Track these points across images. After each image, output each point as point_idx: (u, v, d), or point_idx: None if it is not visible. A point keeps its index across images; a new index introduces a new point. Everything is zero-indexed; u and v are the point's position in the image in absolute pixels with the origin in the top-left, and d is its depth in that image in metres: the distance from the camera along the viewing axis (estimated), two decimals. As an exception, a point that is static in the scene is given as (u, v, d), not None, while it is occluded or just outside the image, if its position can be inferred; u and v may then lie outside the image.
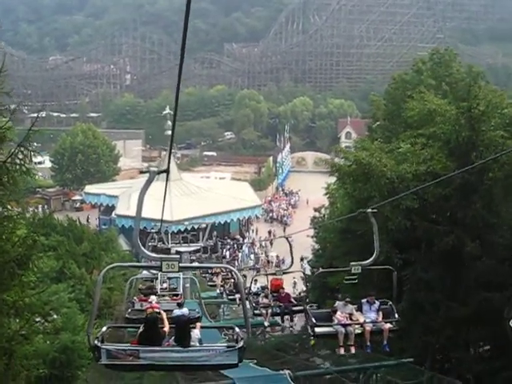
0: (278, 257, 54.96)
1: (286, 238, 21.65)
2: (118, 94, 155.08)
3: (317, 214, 36.17)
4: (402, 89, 29.01)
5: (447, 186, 17.59)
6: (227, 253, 56.40)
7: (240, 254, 58.29)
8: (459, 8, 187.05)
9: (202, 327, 11.65)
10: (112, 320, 24.82)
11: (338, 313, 14.30)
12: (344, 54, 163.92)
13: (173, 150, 71.64)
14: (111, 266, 11.75)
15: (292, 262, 22.58)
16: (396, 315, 14.01)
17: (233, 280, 29.34)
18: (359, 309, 14.50)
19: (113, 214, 62.10)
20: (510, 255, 17.31)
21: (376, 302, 14.43)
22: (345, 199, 24.51)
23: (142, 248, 8.35)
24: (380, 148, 19.77)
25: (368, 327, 13.92)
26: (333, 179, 26.14)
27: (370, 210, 12.20)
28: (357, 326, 13.97)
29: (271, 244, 61.02)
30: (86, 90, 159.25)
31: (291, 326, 23.23)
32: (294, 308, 19.93)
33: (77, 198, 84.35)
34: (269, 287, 21.79)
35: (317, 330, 14.01)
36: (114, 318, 25.84)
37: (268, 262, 53.51)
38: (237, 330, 10.49)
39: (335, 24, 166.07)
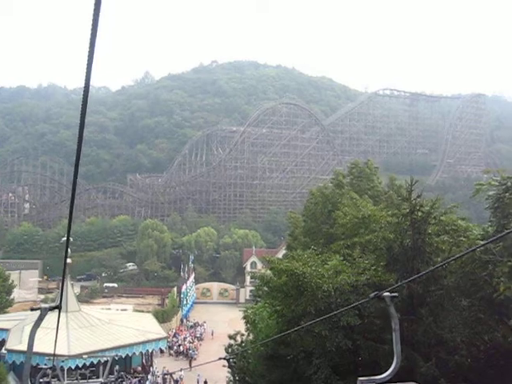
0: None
1: (228, 361, 18.61)
2: (16, 223, 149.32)
3: (232, 342, 33.25)
4: (323, 204, 27.63)
5: (391, 298, 15.47)
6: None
7: (144, 392, 53.43)
8: (356, 142, 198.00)
9: None
10: None
11: None
12: (247, 185, 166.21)
13: (72, 282, 67.50)
14: None
15: None
16: None
17: None
18: None
19: (3, 349, 56.39)
20: (467, 375, 15.12)
21: None
22: (271, 319, 21.89)
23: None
24: (313, 258, 17.64)
25: None
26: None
27: (387, 294, 8.40)
28: None
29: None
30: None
31: None
32: None
33: (-38, 331, 76.83)
34: None
35: None
36: None
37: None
38: None
39: (238, 156, 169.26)
